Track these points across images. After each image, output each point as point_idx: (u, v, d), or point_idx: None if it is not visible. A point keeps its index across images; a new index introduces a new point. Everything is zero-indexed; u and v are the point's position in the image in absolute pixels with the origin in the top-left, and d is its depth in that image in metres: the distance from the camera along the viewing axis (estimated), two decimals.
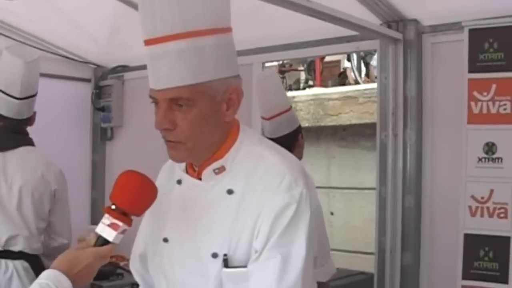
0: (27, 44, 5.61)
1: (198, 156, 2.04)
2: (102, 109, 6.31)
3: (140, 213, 1.96)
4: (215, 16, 1.97)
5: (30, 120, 4.35)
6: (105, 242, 1.91)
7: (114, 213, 1.90)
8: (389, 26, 4.40)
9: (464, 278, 3.96)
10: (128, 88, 6.28)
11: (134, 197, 1.93)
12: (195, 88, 1.93)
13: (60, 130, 6.12)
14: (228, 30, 2.02)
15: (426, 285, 4.34)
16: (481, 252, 3.92)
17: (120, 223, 1.90)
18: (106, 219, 1.91)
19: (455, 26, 4.17)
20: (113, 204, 1.91)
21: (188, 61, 1.91)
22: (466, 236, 3.97)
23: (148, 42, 1.97)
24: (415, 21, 4.35)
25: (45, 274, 1.86)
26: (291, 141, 4.07)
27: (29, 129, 4.36)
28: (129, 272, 4.21)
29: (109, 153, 6.46)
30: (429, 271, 4.32)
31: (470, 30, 4.01)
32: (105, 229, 1.91)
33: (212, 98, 1.97)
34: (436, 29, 4.32)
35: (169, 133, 1.99)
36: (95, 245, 1.92)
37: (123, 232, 1.91)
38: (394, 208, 4.38)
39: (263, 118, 4.22)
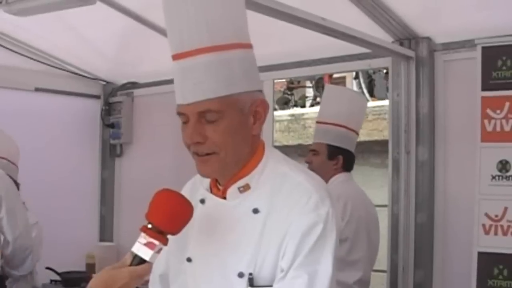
0: (36, 61, 5.64)
1: (227, 169, 2.03)
2: (111, 125, 6.31)
3: (176, 231, 1.93)
4: (238, 31, 2.00)
5: None
6: (141, 261, 1.89)
7: (151, 232, 1.88)
8: (401, 44, 4.41)
9: None
10: (138, 104, 6.28)
11: (171, 216, 1.91)
12: (225, 100, 1.93)
13: (69, 146, 6.14)
14: (250, 46, 2.04)
15: None
16: (495, 270, 3.90)
17: (156, 242, 1.88)
18: (143, 238, 1.88)
19: (467, 44, 4.19)
20: (150, 223, 1.90)
21: (217, 73, 1.93)
22: (480, 254, 3.94)
23: (176, 57, 1.98)
24: (428, 38, 4.37)
25: None
26: None
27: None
28: None
29: (118, 169, 6.45)
30: None
31: (483, 48, 4.01)
32: (142, 248, 1.88)
33: (240, 111, 1.98)
34: (448, 46, 4.34)
35: (200, 146, 1.98)
36: (131, 264, 1.89)
37: (159, 251, 1.89)
38: (406, 225, 4.38)
39: (354, 131, 4.30)
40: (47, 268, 5.24)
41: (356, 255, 3.85)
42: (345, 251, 3.78)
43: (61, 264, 5.43)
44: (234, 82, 1.95)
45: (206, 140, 1.96)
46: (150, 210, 1.91)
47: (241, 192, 2.04)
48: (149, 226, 1.89)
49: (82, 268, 5.76)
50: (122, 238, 6.30)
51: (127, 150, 6.40)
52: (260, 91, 2.06)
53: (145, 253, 1.88)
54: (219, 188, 2.09)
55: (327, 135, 4.20)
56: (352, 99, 4.41)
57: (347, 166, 4.22)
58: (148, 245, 1.88)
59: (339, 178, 4.12)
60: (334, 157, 4.15)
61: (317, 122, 4.36)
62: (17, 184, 4.72)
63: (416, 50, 4.38)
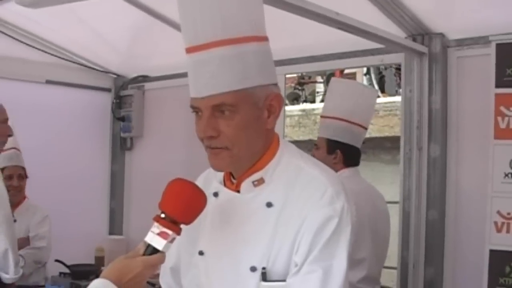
0: (47, 53, 5.65)
1: (240, 164, 2.02)
2: (122, 119, 6.32)
3: (189, 221, 1.92)
4: (254, 24, 1.97)
5: None
6: (154, 251, 1.88)
7: (164, 222, 1.87)
8: (414, 39, 4.39)
9: None
10: (149, 98, 6.29)
11: (184, 205, 1.90)
12: (239, 94, 1.92)
13: (79, 139, 6.15)
14: (266, 38, 2.02)
15: None
16: (506, 268, 3.88)
17: (169, 232, 1.87)
18: (156, 227, 1.87)
19: (481, 40, 4.16)
20: (163, 212, 1.88)
21: (232, 66, 1.91)
22: (492, 252, 3.92)
23: (190, 50, 1.96)
24: (441, 34, 4.34)
25: (94, 283, 1.83)
26: None
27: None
28: (148, 283, 4.21)
29: (129, 163, 6.46)
30: (453, 287, 4.28)
31: (497, 45, 3.98)
32: (155, 238, 1.87)
33: (255, 105, 1.96)
34: (462, 43, 4.31)
35: (213, 141, 1.96)
36: (144, 254, 1.89)
37: (172, 241, 1.88)
38: (417, 222, 4.36)
39: (359, 125, 4.15)
40: (56, 260, 5.23)
41: (361, 254, 3.78)
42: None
43: (70, 257, 5.42)
44: (249, 75, 1.93)
45: (220, 134, 1.95)
46: (163, 200, 1.90)
47: (255, 185, 2.02)
48: (162, 215, 1.88)
49: (92, 261, 5.76)
50: (132, 232, 6.31)
51: (137, 143, 6.41)
52: (275, 84, 2.04)
53: (158, 243, 1.87)
54: (232, 181, 2.08)
55: (327, 130, 4.11)
56: (358, 92, 4.26)
57: (349, 161, 4.04)
58: (161, 234, 1.87)
59: (344, 173, 4.01)
60: (333, 152, 4.02)
61: (321, 116, 4.30)
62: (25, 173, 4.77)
63: (429, 46, 4.35)
